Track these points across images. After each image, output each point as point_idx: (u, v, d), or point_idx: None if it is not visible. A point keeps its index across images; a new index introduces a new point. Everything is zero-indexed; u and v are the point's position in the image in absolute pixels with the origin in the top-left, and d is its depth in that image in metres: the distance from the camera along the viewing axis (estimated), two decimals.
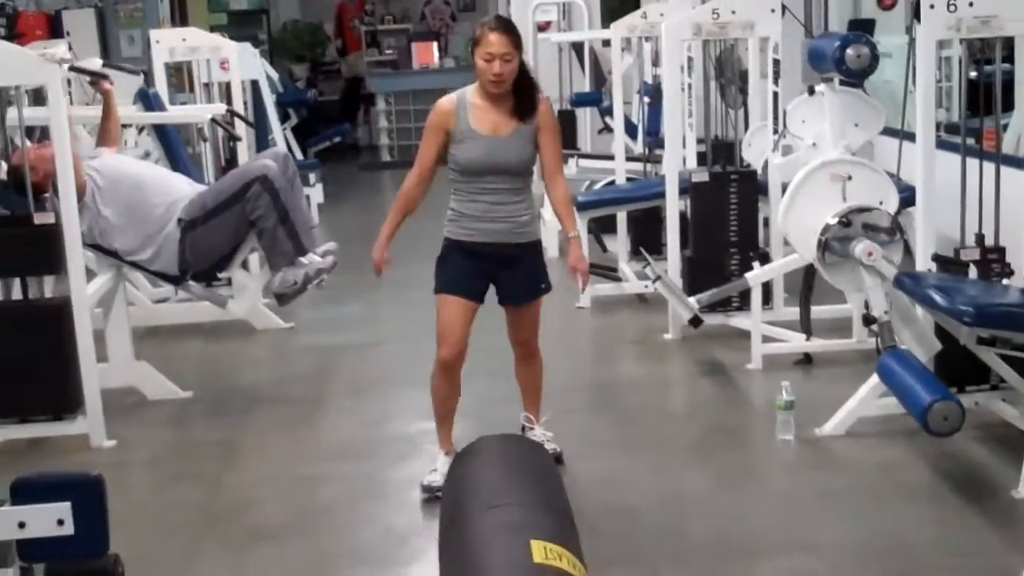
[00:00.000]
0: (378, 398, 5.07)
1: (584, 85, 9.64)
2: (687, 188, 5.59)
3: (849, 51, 4.57)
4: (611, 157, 7.47)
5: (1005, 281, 4.08)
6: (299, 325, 6.26)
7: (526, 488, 2.94)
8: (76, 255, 4.35)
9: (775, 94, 5.41)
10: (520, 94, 3.82)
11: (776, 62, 5.38)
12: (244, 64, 7.88)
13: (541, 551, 2.52)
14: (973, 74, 4.92)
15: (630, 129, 7.99)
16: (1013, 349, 3.83)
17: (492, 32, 3.75)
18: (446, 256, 3.91)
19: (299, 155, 10.36)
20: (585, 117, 9.62)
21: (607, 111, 9.29)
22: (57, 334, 4.41)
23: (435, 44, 13.27)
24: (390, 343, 5.99)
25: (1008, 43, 4.75)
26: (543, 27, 10.23)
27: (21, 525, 2.13)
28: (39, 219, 4.34)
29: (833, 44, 4.66)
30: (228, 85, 7.28)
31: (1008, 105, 5.38)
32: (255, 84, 8.12)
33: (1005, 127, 5.34)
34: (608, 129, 9.49)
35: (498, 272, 3.90)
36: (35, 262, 4.41)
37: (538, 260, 3.99)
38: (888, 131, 5.62)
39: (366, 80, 14.46)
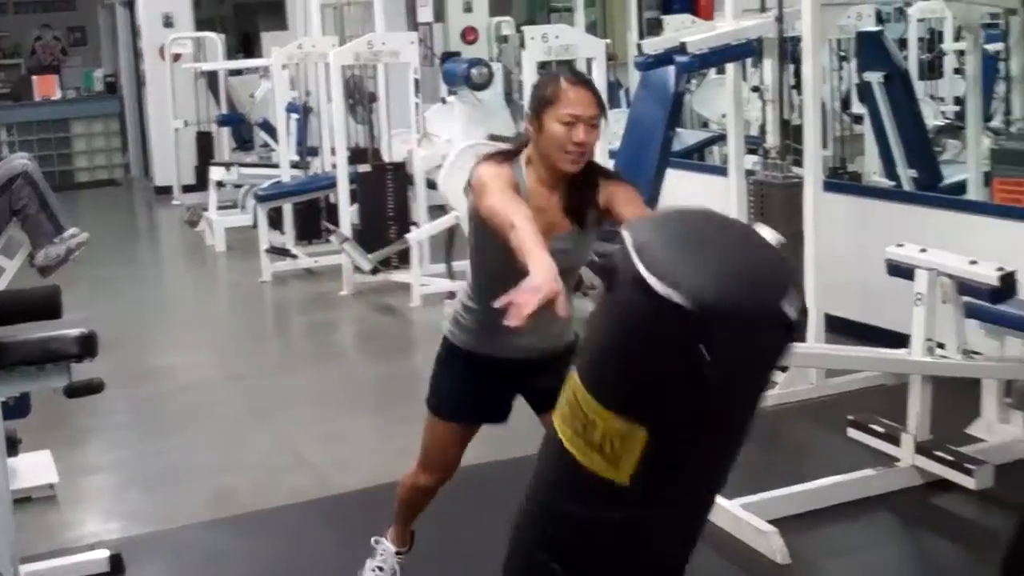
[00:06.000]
0: (156, 337, 6.51)
1: (213, 109, 11.09)
2: (354, 179, 7.26)
3: (473, 71, 6.52)
4: (271, 165, 9.00)
5: None
6: None
7: None
8: None
9: (416, 104, 7.21)
10: (581, 182, 2.69)
11: (416, 81, 7.17)
12: None
13: None
14: None
15: (275, 139, 9.42)
16: None
17: (573, 87, 2.64)
18: (448, 361, 2.94)
19: None
20: (221, 136, 11.04)
21: (243, 130, 10.87)
22: None
23: (56, 77, 13.92)
24: (127, 313, 7.21)
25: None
26: (176, 57, 11.54)
27: None
28: None
29: (462, 66, 6.57)
30: None
31: None
32: None
33: None
34: (243, 146, 11.03)
35: (524, 380, 2.88)
36: None
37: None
38: (496, 137, 7.61)
39: None
